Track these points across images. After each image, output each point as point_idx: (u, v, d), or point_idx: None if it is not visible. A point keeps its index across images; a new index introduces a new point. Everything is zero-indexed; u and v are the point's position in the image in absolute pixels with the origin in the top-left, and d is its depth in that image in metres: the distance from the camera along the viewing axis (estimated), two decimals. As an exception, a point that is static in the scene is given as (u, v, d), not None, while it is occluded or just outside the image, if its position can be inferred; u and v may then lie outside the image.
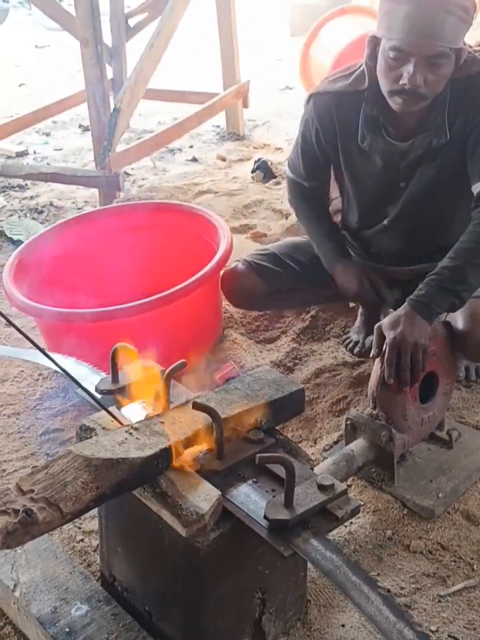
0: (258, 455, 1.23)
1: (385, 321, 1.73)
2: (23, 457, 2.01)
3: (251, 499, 1.25)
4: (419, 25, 1.62)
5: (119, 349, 1.45)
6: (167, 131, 3.90)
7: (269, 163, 3.99)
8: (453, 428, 1.94)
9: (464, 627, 1.50)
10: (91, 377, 1.57)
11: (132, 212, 2.77)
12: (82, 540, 1.73)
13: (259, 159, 4.03)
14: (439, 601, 1.56)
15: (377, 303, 2.09)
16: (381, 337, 1.72)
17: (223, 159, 4.33)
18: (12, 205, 3.77)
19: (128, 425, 1.30)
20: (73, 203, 3.79)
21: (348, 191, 2.04)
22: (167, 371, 1.39)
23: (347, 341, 2.45)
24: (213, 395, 1.41)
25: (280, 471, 1.24)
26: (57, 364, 1.34)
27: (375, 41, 1.75)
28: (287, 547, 1.17)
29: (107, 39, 3.98)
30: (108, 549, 1.50)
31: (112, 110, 3.39)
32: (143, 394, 1.44)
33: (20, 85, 6.27)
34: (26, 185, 4.00)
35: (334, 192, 2.17)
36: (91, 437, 1.31)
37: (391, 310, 1.81)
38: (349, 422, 1.78)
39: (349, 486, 1.82)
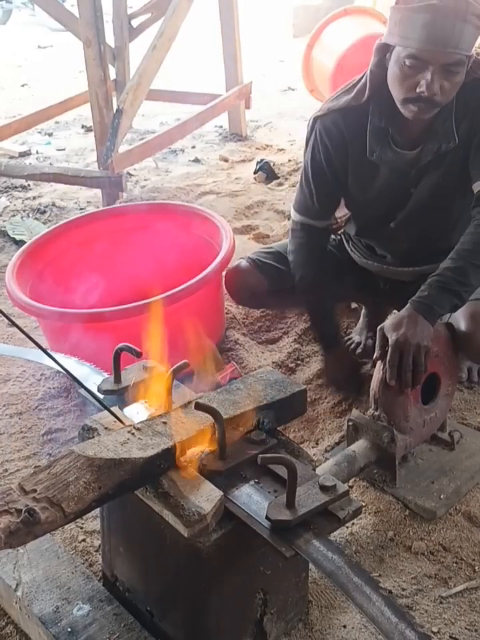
0: (260, 456, 1.23)
1: (388, 323, 1.73)
2: (25, 457, 2.01)
3: (253, 500, 1.25)
4: (437, 34, 1.62)
5: (122, 349, 1.45)
6: (170, 132, 3.91)
7: (272, 164, 3.99)
8: (454, 429, 1.94)
9: (465, 628, 1.50)
10: (93, 377, 1.57)
11: (134, 213, 2.77)
12: (84, 540, 1.73)
13: (261, 160, 4.04)
14: (441, 602, 1.56)
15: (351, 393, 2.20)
16: (384, 339, 1.72)
17: (226, 160, 4.33)
18: (15, 205, 3.77)
19: (130, 425, 1.30)
20: (76, 203, 3.80)
21: (356, 203, 2.03)
22: (170, 371, 1.39)
23: (349, 342, 2.46)
24: (215, 395, 1.41)
25: (282, 471, 1.24)
26: (59, 364, 1.34)
27: (385, 49, 1.74)
28: (289, 548, 1.17)
29: (110, 39, 4.00)
30: (110, 548, 1.50)
31: (115, 110, 3.40)
32: (145, 394, 1.44)
33: (23, 85, 6.28)
34: (28, 185, 4.01)
35: (340, 211, 2.16)
36: (93, 437, 1.31)
37: (395, 311, 1.81)
38: (350, 423, 1.78)
39: (351, 487, 1.82)
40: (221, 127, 4.83)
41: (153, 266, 2.58)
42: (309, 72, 4.85)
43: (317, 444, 2.04)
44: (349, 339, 2.47)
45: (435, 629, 1.49)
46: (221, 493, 1.22)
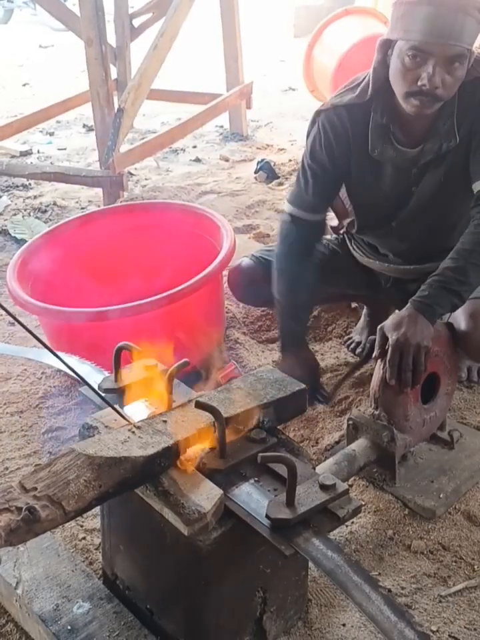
0: (260, 454, 1.23)
1: (388, 322, 1.74)
2: (25, 455, 2.01)
3: (253, 498, 1.26)
4: (440, 27, 1.62)
5: (122, 348, 1.45)
6: (171, 132, 3.91)
7: (272, 164, 4.00)
8: (454, 429, 1.95)
9: (465, 627, 1.50)
10: (93, 376, 1.57)
11: (135, 212, 2.77)
12: (84, 538, 1.73)
13: (262, 160, 4.04)
14: (440, 601, 1.56)
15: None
16: (384, 338, 1.72)
17: (226, 160, 4.34)
18: (16, 204, 3.77)
19: (131, 424, 1.31)
20: (77, 202, 3.80)
21: (359, 200, 2.04)
22: (170, 370, 1.39)
23: (349, 342, 2.46)
24: (215, 394, 1.41)
25: (282, 470, 1.24)
26: (62, 360, 1.34)
27: (387, 45, 1.75)
28: (289, 546, 1.17)
29: (111, 39, 4.00)
30: (110, 547, 1.51)
31: (116, 110, 3.40)
32: (146, 393, 1.45)
33: (24, 85, 6.29)
34: (30, 184, 4.01)
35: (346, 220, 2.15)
36: (94, 436, 1.32)
37: (396, 310, 1.81)
38: (350, 422, 1.78)
39: (351, 486, 1.83)
40: (222, 126, 4.83)
41: (154, 265, 2.59)
42: (309, 72, 4.85)
43: (316, 443, 2.04)
44: (350, 338, 2.48)
45: (434, 628, 1.50)
46: (221, 492, 1.23)
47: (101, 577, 1.56)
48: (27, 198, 3.86)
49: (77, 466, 1.16)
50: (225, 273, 2.39)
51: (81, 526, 1.76)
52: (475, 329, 1.82)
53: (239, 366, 2.30)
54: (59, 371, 2.24)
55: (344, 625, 1.51)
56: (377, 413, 1.74)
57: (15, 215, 3.62)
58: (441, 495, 1.78)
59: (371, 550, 1.69)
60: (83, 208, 3.71)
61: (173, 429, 1.29)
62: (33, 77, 6.46)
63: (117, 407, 1.39)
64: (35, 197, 3.87)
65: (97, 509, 1.51)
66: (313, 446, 2.03)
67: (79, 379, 1.33)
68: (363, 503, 1.78)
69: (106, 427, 1.35)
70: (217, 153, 4.47)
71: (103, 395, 1.38)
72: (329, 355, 2.42)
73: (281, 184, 3.84)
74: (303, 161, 2.00)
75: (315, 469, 1.38)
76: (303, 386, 1.47)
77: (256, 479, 1.30)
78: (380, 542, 1.71)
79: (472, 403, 2.17)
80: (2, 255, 3.21)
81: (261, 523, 1.21)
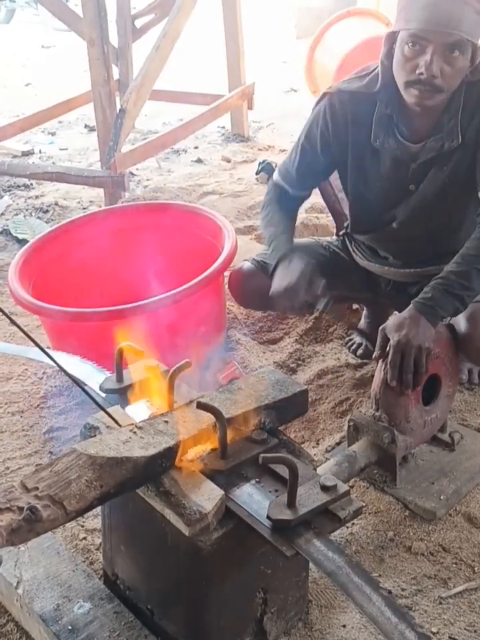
0: (261, 455, 1.23)
1: (389, 323, 1.74)
2: (26, 455, 2.02)
3: (254, 499, 1.26)
4: (438, 14, 1.64)
5: (124, 348, 1.46)
6: (172, 132, 3.91)
7: (274, 165, 3.99)
8: (455, 430, 1.95)
9: (465, 629, 1.50)
10: (95, 376, 1.57)
11: (137, 212, 2.77)
12: (85, 538, 1.73)
13: (264, 161, 4.05)
14: (440, 603, 1.56)
15: (305, 305, 1.83)
16: (385, 339, 1.72)
17: (228, 161, 4.34)
18: (17, 204, 3.78)
19: (132, 424, 1.31)
20: (78, 202, 3.80)
21: (356, 193, 2.04)
22: (172, 371, 1.39)
23: (350, 343, 2.46)
24: (216, 395, 1.41)
25: (283, 471, 1.24)
26: (57, 363, 1.34)
27: (392, 37, 1.75)
28: (290, 547, 1.17)
29: (114, 39, 3.99)
30: (111, 547, 1.51)
31: (118, 110, 3.40)
32: (148, 393, 1.45)
33: (26, 85, 6.29)
34: (31, 184, 4.01)
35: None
36: (95, 436, 1.32)
37: (396, 312, 1.81)
38: (351, 423, 1.78)
39: (351, 487, 1.83)
40: (224, 127, 4.84)
41: (155, 266, 2.59)
42: (311, 73, 4.85)
43: (317, 444, 2.04)
44: (351, 339, 2.48)
45: (434, 630, 1.50)
46: (222, 492, 1.23)
47: (101, 577, 1.57)
48: (29, 198, 3.86)
49: (79, 466, 1.17)
50: (227, 274, 2.39)
51: (82, 526, 1.76)
52: (475, 332, 1.82)
53: (240, 367, 2.30)
54: (60, 371, 2.24)
55: (344, 626, 1.51)
56: (377, 414, 1.74)
57: (16, 214, 3.62)
58: (442, 497, 1.78)
59: (372, 551, 1.69)
60: (84, 208, 3.72)
61: (175, 429, 1.29)
62: (35, 77, 6.47)
63: (114, 407, 1.39)
64: (37, 197, 3.87)
65: (98, 509, 1.51)
66: (313, 447, 2.03)
67: (73, 380, 1.33)
68: (364, 505, 1.78)
69: (107, 426, 1.35)
70: (219, 153, 4.47)
71: (93, 395, 1.37)
72: (330, 356, 2.42)
73: (282, 185, 3.84)
74: (299, 136, 2.04)
75: (315, 470, 1.38)
76: (304, 387, 1.48)
77: (257, 479, 1.30)
78: (380, 543, 1.71)
79: (473, 405, 2.17)
80: (3, 255, 3.22)
81: (262, 523, 1.21)
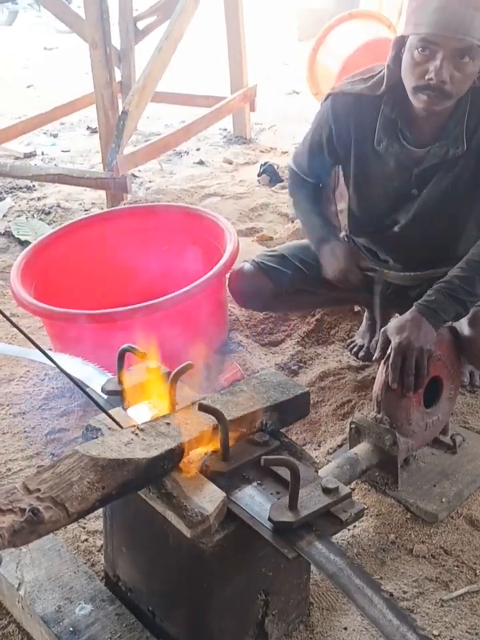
0: (263, 457, 1.24)
1: (391, 325, 1.74)
2: (28, 457, 2.02)
3: (256, 501, 1.26)
4: (448, 19, 1.63)
5: (126, 350, 1.46)
6: (174, 134, 3.92)
7: (276, 167, 4.00)
8: (456, 433, 1.95)
9: (466, 632, 1.50)
10: (97, 378, 1.57)
11: (138, 214, 2.78)
12: (86, 540, 1.73)
13: (265, 163, 4.05)
14: (442, 606, 1.56)
15: (359, 288, 2.06)
16: (387, 341, 1.72)
17: (230, 162, 4.34)
18: (19, 205, 3.78)
19: (134, 426, 1.31)
20: (80, 204, 3.81)
21: (357, 195, 2.04)
22: (173, 373, 1.40)
23: (352, 345, 2.46)
24: (218, 397, 1.41)
25: (285, 473, 1.24)
26: (58, 365, 1.34)
27: (401, 41, 1.75)
28: (291, 549, 1.17)
29: (116, 41, 4.00)
30: (112, 548, 1.51)
31: (120, 112, 3.41)
32: (149, 395, 1.45)
33: (28, 87, 6.30)
34: (33, 185, 4.02)
35: (341, 204, 2.16)
36: (97, 437, 1.32)
37: (397, 314, 1.82)
38: (353, 425, 1.78)
39: (353, 489, 1.82)
40: (226, 129, 4.84)
41: (157, 267, 2.59)
42: (313, 75, 4.85)
43: (319, 446, 2.04)
44: (352, 341, 2.48)
45: (435, 632, 1.50)
46: (224, 494, 1.23)
47: (103, 579, 1.57)
48: (31, 199, 3.86)
49: (81, 468, 1.17)
50: (228, 275, 2.39)
51: (84, 528, 1.76)
52: (477, 335, 1.82)
53: (242, 368, 2.30)
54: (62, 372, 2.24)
55: (345, 628, 1.51)
56: (379, 416, 1.74)
57: (18, 216, 3.63)
58: (443, 499, 1.78)
59: (373, 554, 1.69)
60: (86, 210, 3.72)
61: (176, 431, 1.29)
62: (37, 79, 6.47)
63: (115, 409, 1.39)
64: (39, 199, 3.87)
65: (100, 511, 1.51)
66: (315, 449, 2.03)
67: (74, 382, 1.33)
68: (365, 507, 1.78)
69: (109, 428, 1.35)
70: (221, 155, 4.47)
71: (96, 399, 1.37)
72: (332, 358, 2.42)
73: (284, 187, 3.83)
74: (309, 132, 2.08)
75: (317, 472, 1.38)
76: (306, 389, 1.48)
77: (259, 481, 1.30)
78: (382, 546, 1.71)
79: (474, 407, 2.16)
80: (6, 257, 3.22)
81: (264, 526, 1.21)
